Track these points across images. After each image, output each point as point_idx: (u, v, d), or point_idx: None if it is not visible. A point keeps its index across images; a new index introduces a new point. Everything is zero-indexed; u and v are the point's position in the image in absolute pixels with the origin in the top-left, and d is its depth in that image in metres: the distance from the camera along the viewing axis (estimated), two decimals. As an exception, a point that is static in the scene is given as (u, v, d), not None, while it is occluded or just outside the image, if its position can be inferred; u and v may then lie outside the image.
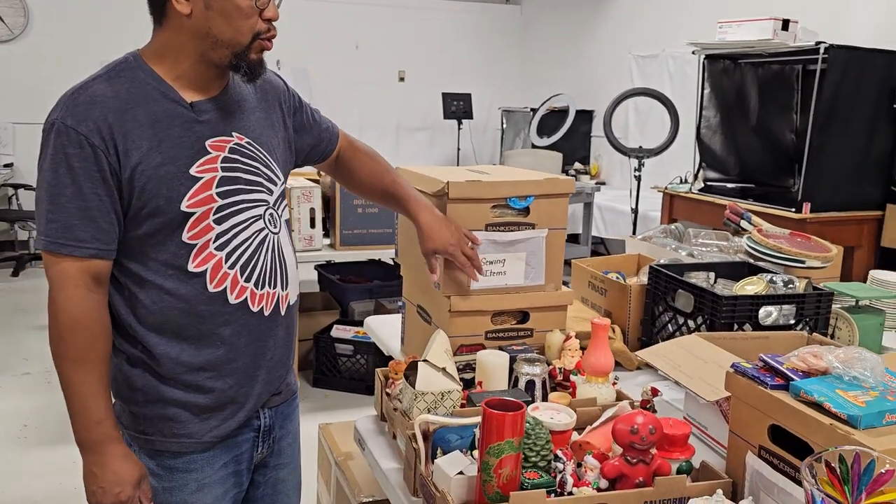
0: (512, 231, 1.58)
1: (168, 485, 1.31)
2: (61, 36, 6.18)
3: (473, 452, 1.16)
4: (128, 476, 1.22)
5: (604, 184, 6.46)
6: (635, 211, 4.72)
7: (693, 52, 4.38)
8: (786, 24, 3.75)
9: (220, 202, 1.25)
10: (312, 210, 3.42)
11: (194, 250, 1.24)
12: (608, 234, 5.61)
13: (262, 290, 1.32)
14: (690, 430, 1.22)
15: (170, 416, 1.29)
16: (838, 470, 0.91)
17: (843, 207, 3.74)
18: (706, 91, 4.39)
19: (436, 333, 1.47)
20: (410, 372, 1.36)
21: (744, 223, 2.17)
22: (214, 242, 1.25)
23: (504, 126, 7.19)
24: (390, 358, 1.96)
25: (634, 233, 4.60)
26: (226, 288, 1.27)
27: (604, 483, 1.11)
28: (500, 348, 1.56)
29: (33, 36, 6.19)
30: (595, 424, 1.27)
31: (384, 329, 2.16)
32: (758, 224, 2.15)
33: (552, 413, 1.28)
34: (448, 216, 1.53)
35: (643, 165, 4.66)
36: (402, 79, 7.55)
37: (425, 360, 1.35)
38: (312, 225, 3.44)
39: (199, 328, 1.27)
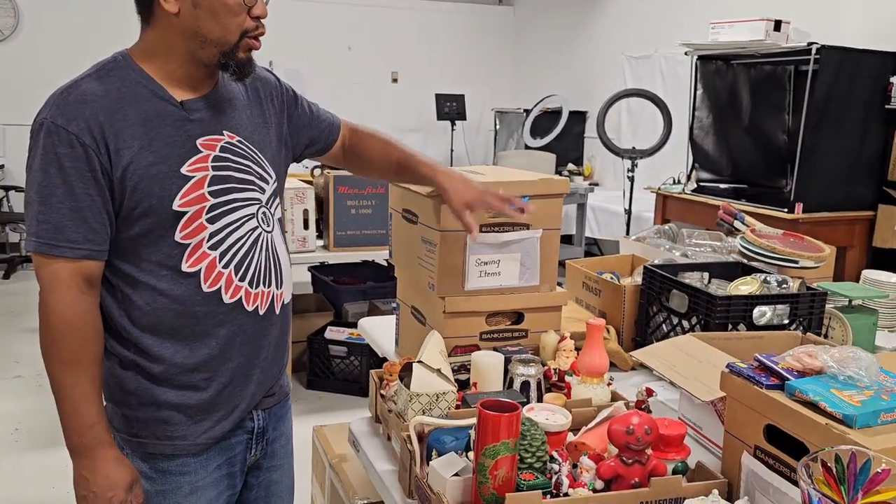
0: (506, 232, 1.58)
1: (161, 488, 1.30)
2: (52, 37, 6.15)
3: (469, 454, 1.16)
4: (120, 480, 1.21)
5: (597, 185, 6.47)
6: (628, 211, 4.73)
7: (686, 53, 4.39)
8: (778, 25, 3.76)
9: (213, 201, 1.24)
10: (306, 211, 3.42)
11: (188, 250, 1.23)
12: (601, 234, 5.62)
13: (256, 289, 1.31)
14: (686, 431, 1.22)
15: (163, 419, 1.28)
16: (834, 470, 0.91)
17: (835, 208, 3.76)
18: (699, 92, 4.40)
19: (430, 334, 1.46)
20: (405, 373, 1.36)
21: (737, 223, 2.18)
22: (208, 242, 1.24)
23: (497, 127, 7.19)
24: (384, 359, 1.96)
25: (628, 233, 4.61)
26: (220, 287, 1.26)
27: (599, 484, 1.11)
28: (495, 349, 1.55)
29: (24, 37, 6.17)
30: (590, 425, 1.27)
31: (378, 330, 2.15)
32: (751, 224, 2.15)
33: (547, 414, 1.28)
34: (443, 215, 1.52)
35: (636, 166, 4.68)
36: (395, 80, 7.55)
37: (420, 362, 1.34)
38: (306, 226, 3.43)
39: (193, 328, 1.26)
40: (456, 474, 1.12)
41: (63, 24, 6.18)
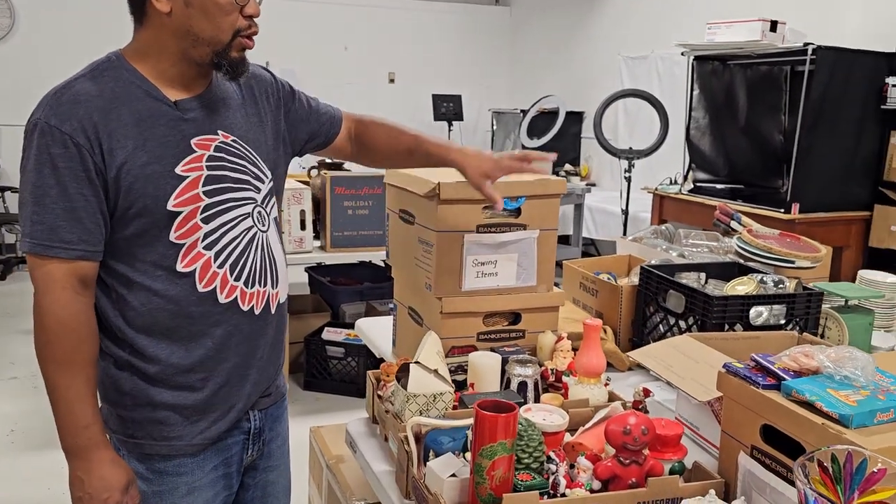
0: (503, 232, 1.58)
1: (158, 489, 1.30)
2: (48, 37, 6.13)
3: (466, 454, 1.16)
4: (115, 481, 1.21)
5: (594, 185, 6.47)
6: (625, 212, 4.73)
7: (682, 54, 4.39)
8: (774, 26, 3.77)
9: (207, 201, 1.24)
10: (303, 212, 3.41)
11: (182, 250, 1.23)
12: (598, 235, 5.62)
13: (252, 288, 1.31)
14: (683, 431, 1.22)
15: (159, 420, 1.27)
16: (831, 469, 0.91)
17: (831, 208, 3.76)
18: (695, 92, 4.41)
19: (427, 335, 1.46)
20: (402, 374, 1.35)
21: (734, 224, 2.18)
22: (202, 242, 1.24)
23: (494, 128, 7.19)
24: (381, 360, 1.95)
25: (625, 234, 4.61)
26: (215, 287, 1.26)
27: (597, 484, 1.11)
28: (492, 350, 1.55)
29: (19, 37, 6.14)
30: (587, 425, 1.27)
31: (375, 331, 2.15)
32: (748, 224, 2.15)
33: (544, 414, 1.28)
34: (440, 217, 1.52)
35: (633, 167, 4.68)
36: (391, 80, 7.54)
37: (417, 362, 1.34)
38: (303, 227, 3.43)
39: (189, 329, 1.26)
40: (453, 475, 1.12)
41: (59, 24, 6.16)
